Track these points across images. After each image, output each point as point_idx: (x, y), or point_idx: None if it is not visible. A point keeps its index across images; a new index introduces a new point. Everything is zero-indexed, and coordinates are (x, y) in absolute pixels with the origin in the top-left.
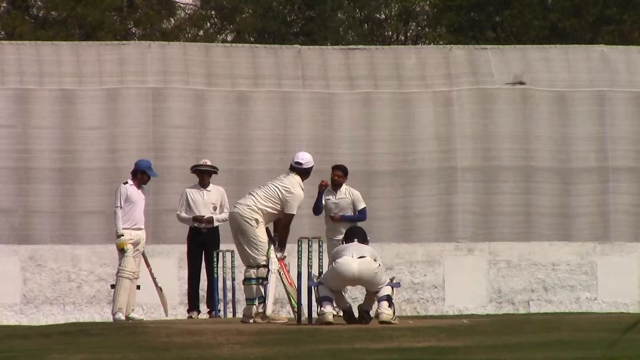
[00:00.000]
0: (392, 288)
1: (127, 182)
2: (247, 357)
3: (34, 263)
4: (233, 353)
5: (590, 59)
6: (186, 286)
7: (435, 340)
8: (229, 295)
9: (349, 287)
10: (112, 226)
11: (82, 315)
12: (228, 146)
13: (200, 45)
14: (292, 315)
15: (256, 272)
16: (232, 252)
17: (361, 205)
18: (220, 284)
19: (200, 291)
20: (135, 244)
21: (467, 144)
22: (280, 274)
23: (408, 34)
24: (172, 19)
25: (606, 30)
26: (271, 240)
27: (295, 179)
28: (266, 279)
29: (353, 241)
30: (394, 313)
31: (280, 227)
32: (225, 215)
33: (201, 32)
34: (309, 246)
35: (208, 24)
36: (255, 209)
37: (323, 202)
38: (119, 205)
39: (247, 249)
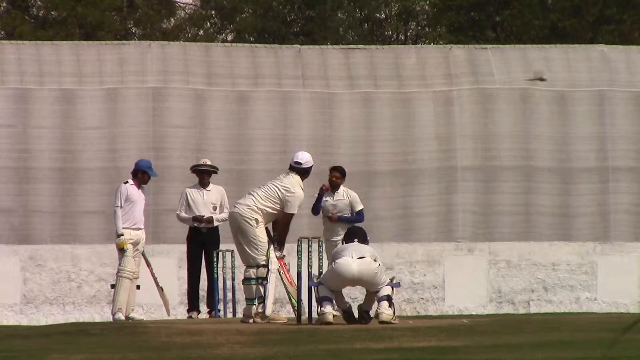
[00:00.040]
0: (392, 288)
1: (127, 182)
2: (247, 357)
3: (34, 263)
4: (233, 353)
5: (590, 58)
6: (186, 286)
7: (435, 340)
8: (229, 295)
9: (348, 287)
10: (112, 226)
11: (82, 315)
12: (228, 146)
13: (200, 45)
14: (292, 315)
15: (256, 272)
16: (232, 252)
17: (359, 206)
18: (220, 284)
19: (200, 291)
20: (135, 244)
21: (467, 143)
22: (280, 273)
23: (408, 34)
24: (172, 19)
25: (606, 30)
26: (270, 239)
27: (295, 178)
28: (266, 279)
29: (353, 241)
30: (394, 313)
31: (280, 226)
32: (225, 215)
33: (201, 32)
34: (308, 246)
35: (208, 23)
36: (255, 208)
37: (321, 203)
38: (119, 204)
39: (247, 249)
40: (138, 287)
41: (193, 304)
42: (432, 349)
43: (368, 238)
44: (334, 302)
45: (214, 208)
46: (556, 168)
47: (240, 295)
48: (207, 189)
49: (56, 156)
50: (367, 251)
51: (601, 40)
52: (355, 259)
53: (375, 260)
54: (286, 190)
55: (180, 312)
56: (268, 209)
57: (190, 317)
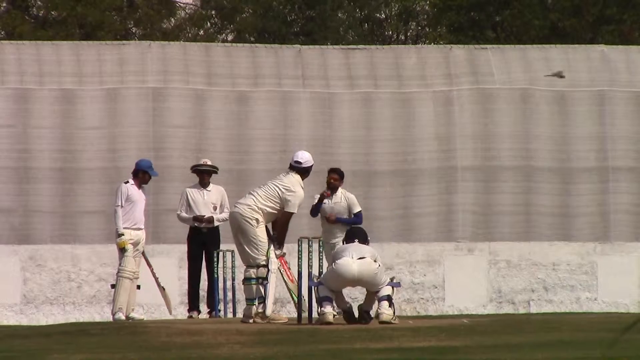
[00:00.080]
0: (393, 288)
1: (128, 182)
2: (247, 357)
3: (34, 263)
4: (233, 353)
5: (590, 59)
6: (186, 286)
7: (435, 340)
8: (229, 295)
9: (348, 287)
10: (112, 226)
11: (82, 315)
12: (228, 146)
13: (200, 45)
14: (292, 315)
15: (256, 272)
16: (232, 252)
17: (356, 208)
18: (220, 284)
19: (200, 291)
20: (135, 244)
21: (467, 143)
22: (280, 271)
23: (408, 34)
24: (172, 19)
25: (606, 30)
26: (270, 238)
27: (295, 178)
28: (266, 278)
29: (353, 241)
30: (394, 313)
31: (279, 225)
32: (225, 215)
33: (201, 32)
34: (308, 246)
35: (208, 23)
36: (256, 208)
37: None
38: (119, 204)
39: (247, 249)
40: (138, 287)
41: (193, 304)
42: (432, 349)
43: (369, 238)
44: (334, 302)
45: (214, 208)
46: (556, 168)
47: (241, 295)
48: (207, 189)
49: (56, 156)
50: (367, 252)
51: (601, 40)
52: (355, 259)
53: (375, 261)
54: (286, 190)
55: (180, 312)
56: (268, 209)
57: (190, 317)
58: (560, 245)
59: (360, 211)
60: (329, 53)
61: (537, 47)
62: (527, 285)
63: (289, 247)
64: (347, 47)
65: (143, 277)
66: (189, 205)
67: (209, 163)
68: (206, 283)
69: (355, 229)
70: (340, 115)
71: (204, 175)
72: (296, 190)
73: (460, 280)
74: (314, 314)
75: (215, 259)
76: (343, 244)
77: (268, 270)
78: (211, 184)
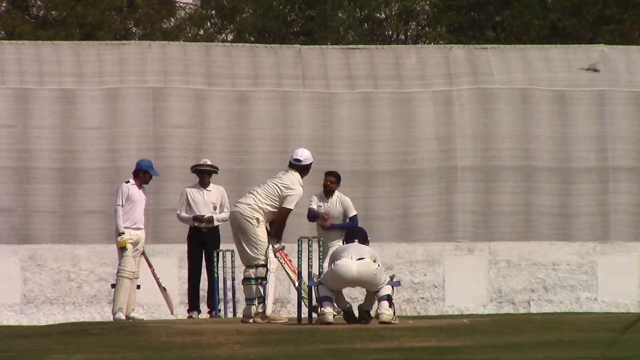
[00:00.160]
0: (393, 287)
1: (128, 182)
2: (247, 357)
3: (34, 263)
4: (233, 353)
5: (590, 59)
6: (186, 286)
7: (435, 340)
8: (229, 295)
9: (348, 287)
10: (112, 226)
11: (82, 315)
12: (228, 146)
13: (200, 45)
14: (292, 315)
15: (255, 272)
16: (232, 252)
17: (352, 212)
18: (220, 284)
19: (200, 291)
20: (135, 244)
21: (467, 143)
22: (282, 263)
23: (408, 34)
24: (172, 19)
25: (606, 30)
26: (268, 234)
27: (295, 176)
28: (265, 278)
29: (353, 241)
30: (394, 313)
31: (277, 221)
32: (225, 215)
33: (201, 32)
34: (308, 246)
35: (208, 23)
36: (257, 207)
37: (315, 209)
38: (120, 203)
39: (246, 248)
40: (138, 286)
41: (193, 304)
42: (432, 349)
43: (369, 238)
44: (334, 302)
45: (214, 208)
46: (556, 168)
47: (241, 295)
48: (207, 188)
49: (56, 156)
50: (367, 252)
51: (601, 40)
52: (354, 260)
53: (374, 261)
54: (285, 188)
55: (180, 312)
56: (269, 208)
57: (190, 317)
58: (560, 245)
59: (355, 215)
60: (329, 53)
61: (537, 47)
62: (527, 285)
63: (289, 247)
64: (347, 47)
65: (143, 277)
66: (188, 205)
67: (209, 163)
68: (206, 283)
69: (355, 229)
70: (340, 115)
71: (204, 175)
72: (295, 188)
73: (460, 280)
74: (314, 314)
75: (215, 259)
76: (343, 244)
77: (267, 270)
78: (211, 184)
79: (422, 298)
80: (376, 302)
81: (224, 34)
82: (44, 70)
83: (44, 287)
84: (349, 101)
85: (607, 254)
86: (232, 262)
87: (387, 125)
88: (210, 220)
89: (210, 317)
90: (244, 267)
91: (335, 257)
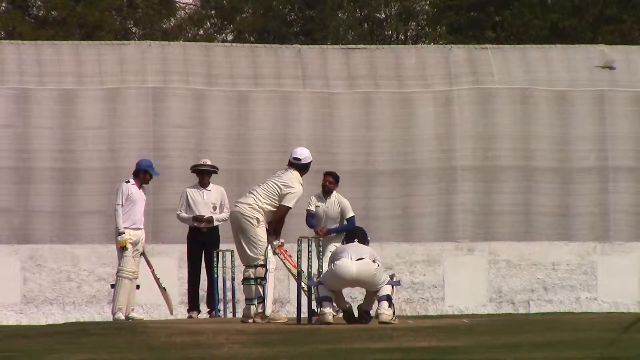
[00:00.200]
0: (392, 287)
1: (129, 181)
2: (247, 357)
3: (34, 263)
4: (233, 353)
5: (590, 59)
6: (186, 286)
7: (435, 340)
8: (229, 295)
9: (348, 287)
10: (112, 226)
11: (82, 315)
12: (228, 146)
13: (200, 45)
14: (292, 315)
15: (254, 272)
16: (232, 252)
17: (349, 213)
18: (220, 284)
19: (200, 291)
20: (135, 244)
21: (467, 143)
22: (282, 260)
23: (408, 34)
24: (172, 19)
25: (606, 30)
26: (267, 232)
27: (294, 174)
28: (264, 278)
29: (353, 241)
30: (394, 313)
31: (275, 218)
32: (225, 215)
33: (201, 32)
34: (308, 246)
35: (208, 23)
36: (257, 207)
37: (313, 210)
38: (120, 203)
39: (246, 248)
40: (138, 286)
41: (193, 304)
42: (432, 349)
43: (369, 238)
44: (334, 302)
45: (214, 208)
46: (556, 168)
47: (240, 295)
48: (207, 188)
49: (56, 156)
50: (366, 252)
51: (601, 40)
52: (354, 260)
53: (374, 261)
54: (285, 186)
55: (180, 312)
56: (269, 207)
57: (190, 317)
58: (560, 245)
59: (353, 216)
60: (328, 53)
61: (537, 47)
62: (527, 285)
63: (289, 247)
64: (347, 47)
65: (143, 277)
66: (188, 205)
67: (209, 163)
68: (206, 283)
69: (355, 229)
70: (340, 115)
71: (204, 175)
72: (295, 187)
73: (460, 280)
74: (314, 312)
75: (215, 259)
76: (343, 243)
77: (266, 270)
78: (211, 184)
79: (422, 298)
80: (376, 302)
81: (224, 34)
82: (44, 70)
83: (44, 287)
84: (349, 101)
85: (607, 254)
86: (231, 262)
87: (387, 125)
88: (210, 220)
89: (210, 317)
90: (244, 267)
91: (335, 257)
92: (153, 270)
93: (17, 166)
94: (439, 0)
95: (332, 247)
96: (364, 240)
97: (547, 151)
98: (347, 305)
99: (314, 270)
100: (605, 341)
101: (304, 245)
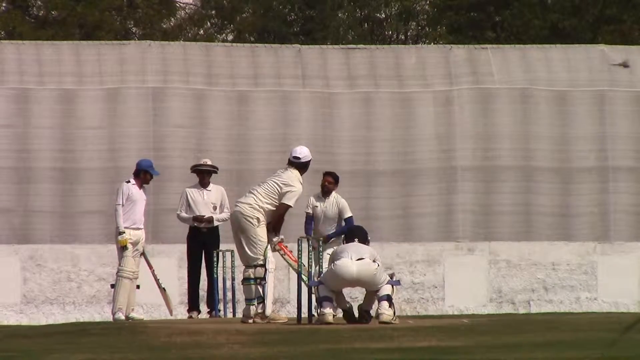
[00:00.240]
0: (393, 287)
1: (129, 181)
2: (247, 357)
3: (34, 263)
4: (233, 353)
5: (590, 58)
6: (186, 286)
7: (435, 340)
8: (229, 295)
9: (348, 287)
10: (112, 226)
11: (82, 315)
12: (228, 146)
13: (200, 45)
14: (292, 315)
15: (254, 272)
16: (232, 252)
17: (347, 214)
18: (220, 284)
19: (200, 291)
20: (135, 244)
21: (467, 143)
22: (282, 255)
23: (408, 34)
24: (172, 19)
25: (606, 30)
26: (267, 230)
27: (294, 173)
28: (264, 279)
29: (353, 241)
30: (394, 313)
31: (275, 216)
32: (225, 215)
33: (201, 32)
34: (308, 246)
35: (208, 23)
36: (257, 207)
37: (311, 211)
38: (120, 202)
39: (246, 248)
40: (138, 286)
41: (193, 304)
42: (432, 349)
43: (369, 238)
44: (334, 302)
45: (214, 208)
46: (556, 168)
47: (240, 295)
48: (207, 188)
49: (56, 156)
50: (367, 252)
51: (601, 40)
52: (354, 260)
53: (374, 261)
54: (285, 185)
55: (180, 312)
56: (269, 207)
57: (190, 317)
58: (560, 245)
59: (351, 217)
60: (328, 53)
61: (537, 47)
62: (527, 285)
63: (289, 247)
64: (347, 47)
65: (143, 277)
66: (188, 205)
67: (209, 163)
68: (206, 283)
69: (355, 229)
70: (340, 115)
71: (204, 175)
72: (295, 185)
73: (460, 280)
74: (314, 312)
75: (215, 259)
76: (343, 243)
77: (266, 270)
78: (211, 184)
79: (422, 298)
80: (376, 302)
81: (224, 34)
82: (44, 70)
83: (44, 287)
84: (349, 101)
85: (607, 254)
86: (231, 262)
87: (387, 125)
88: (210, 220)
89: (210, 317)
90: (244, 267)
91: (335, 257)
92: (153, 270)
93: (17, 166)
94: (439, 0)
95: (329, 250)
96: (364, 240)
97: (547, 151)
98: (348, 305)
99: (314, 270)
100: (606, 341)
101: (304, 245)
